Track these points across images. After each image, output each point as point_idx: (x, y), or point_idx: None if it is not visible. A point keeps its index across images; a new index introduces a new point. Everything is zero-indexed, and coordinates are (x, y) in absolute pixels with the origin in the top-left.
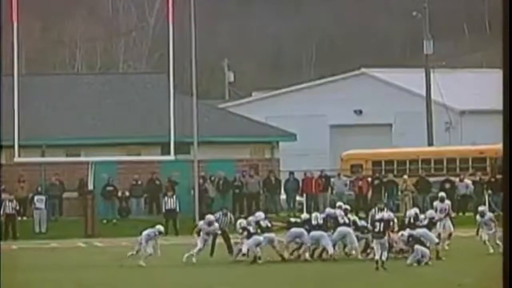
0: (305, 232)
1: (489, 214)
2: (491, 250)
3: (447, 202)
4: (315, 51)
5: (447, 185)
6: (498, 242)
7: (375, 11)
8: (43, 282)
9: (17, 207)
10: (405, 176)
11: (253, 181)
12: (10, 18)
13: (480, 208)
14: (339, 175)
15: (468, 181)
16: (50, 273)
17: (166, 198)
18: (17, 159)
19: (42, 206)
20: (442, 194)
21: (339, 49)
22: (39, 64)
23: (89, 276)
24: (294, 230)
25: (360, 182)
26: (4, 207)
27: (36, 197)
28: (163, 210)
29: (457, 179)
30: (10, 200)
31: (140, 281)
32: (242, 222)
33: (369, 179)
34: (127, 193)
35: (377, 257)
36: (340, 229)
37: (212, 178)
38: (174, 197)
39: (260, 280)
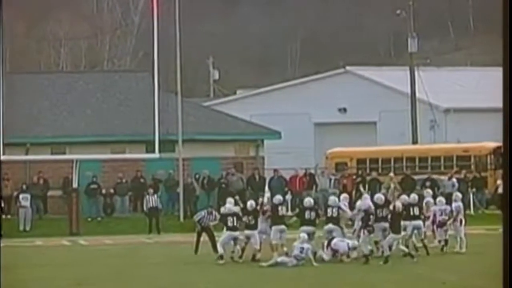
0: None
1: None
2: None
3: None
4: (300, 49)
5: (428, 183)
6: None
7: (360, 10)
8: (29, 280)
9: (1, 205)
10: (391, 174)
11: (235, 179)
12: None
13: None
14: (322, 172)
15: (454, 179)
16: (35, 271)
17: (148, 197)
18: (1, 157)
19: (27, 204)
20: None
21: (324, 48)
22: (23, 62)
23: (74, 274)
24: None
25: (345, 180)
26: None
27: (21, 195)
28: (145, 208)
29: (441, 177)
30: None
31: (125, 278)
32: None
33: (354, 177)
34: (111, 191)
35: (366, 252)
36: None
37: (197, 176)
38: (157, 195)
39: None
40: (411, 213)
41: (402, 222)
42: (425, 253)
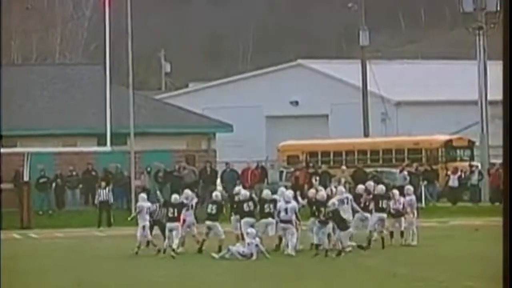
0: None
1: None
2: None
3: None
4: (252, 42)
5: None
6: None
7: (312, 2)
8: None
9: None
10: (343, 167)
11: (187, 172)
12: None
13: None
14: (272, 165)
15: (405, 172)
16: None
17: (99, 190)
18: None
19: None
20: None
21: (276, 40)
22: None
23: (25, 267)
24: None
25: (298, 173)
26: None
27: None
28: (96, 201)
29: (392, 170)
30: None
31: (76, 271)
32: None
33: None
34: (61, 184)
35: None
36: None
37: (148, 169)
38: (108, 188)
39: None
40: (380, 205)
41: (366, 214)
42: (378, 246)
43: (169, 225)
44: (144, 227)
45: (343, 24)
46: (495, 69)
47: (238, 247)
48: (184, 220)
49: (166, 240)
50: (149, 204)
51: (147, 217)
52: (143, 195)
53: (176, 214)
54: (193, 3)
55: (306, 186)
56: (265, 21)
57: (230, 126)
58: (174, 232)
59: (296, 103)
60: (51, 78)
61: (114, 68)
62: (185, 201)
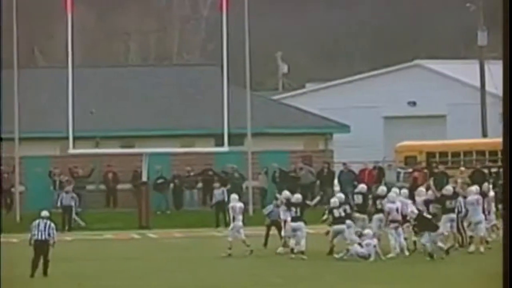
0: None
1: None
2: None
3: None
4: (369, 42)
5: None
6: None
7: (429, 3)
8: (96, 274)
9: (76, 199)
10: (462, 168)
11: (303, 173)
12: (64, 9)
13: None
14: (389, 166)
15: None
16: (104, 264)
17: (215, 190)
18: (71, 150)
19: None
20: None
21: (393, 41)
22: (92, 56)
23: (143, 267)
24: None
25: (416, 173)
26: (61, 199)
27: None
28: (213, 202)
29: None
30: (67, 192)
31: (194, 271)
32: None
33: (425, 170)
34: (179, 184)
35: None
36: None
37: (265, 170)
38: (224, 189)
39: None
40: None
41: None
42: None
43: (293, 225)
44: (235, 227)
45: (460, 24)
46: None
47: (357, 248)
48: (285, 221)
49: (292, 240)
50: (241, 204)
51: (240, 217)
52: (235, 196)
53: (299, 214)
54: (309, 4)
55: (424, 187)
56: (382, 21)
57: (347, 126)
58: (298, 232)
59: (414, 103)
60: (168, 79)
61: (231, 68)
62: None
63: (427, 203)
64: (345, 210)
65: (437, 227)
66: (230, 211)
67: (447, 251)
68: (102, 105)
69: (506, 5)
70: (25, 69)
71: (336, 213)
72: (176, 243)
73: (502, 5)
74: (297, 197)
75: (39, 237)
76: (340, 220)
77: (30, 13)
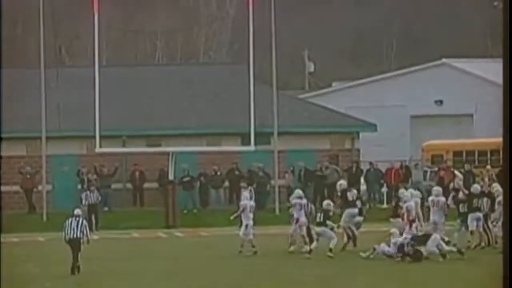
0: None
1: None
2: None
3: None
4: (396, 41)
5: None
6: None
7: (456, 2)
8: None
9: (99, 198)
10: (488, 167)
11: (329, 171)
12: (91, 9)
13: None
14: (416, 165)
15: None
16: (132, 264)
17: (243, 190)
18: (98, 149)
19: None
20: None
21: (419, 39)
22: (119, 55)
23: (171, 266)
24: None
25: (442, 172)
26: (87, 198)
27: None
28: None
29: None
30: (92, 191)
31: (221, 269)
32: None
33: (452, 169)
34: (205, 183)
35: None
36: None
37: (292, 169)
38: (249, 188)
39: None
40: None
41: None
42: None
43: (317, 229)
44: (247, 225)
45: (488, 23)
46: None
47: (384, 247)
48: (297, 220)
49: (314, 243)
50: (252, 203)
51: (251, 215)
52: (246, 194)
53: (322, 219)
54: (335, 3)
55: (451, 186)
56: (409, 20)
57: (374, 125)
58: (321, 238)
59: (441, 102)
60: (195, 78)
61: (258, 67)
62: (300, 201)
63: (457, 202)
64: (359, 198)
65: (430, 235)
66: (241, 209)
67: (443, 255)
68: (128, 103)
69: (506, 5)
70: (51, 68)
71: (349, 196)
72: (203, 241)
73: (502, 5)
74: (327, 203)
75: (72, 235)
76: (352, 204)
77: (57, 13)
